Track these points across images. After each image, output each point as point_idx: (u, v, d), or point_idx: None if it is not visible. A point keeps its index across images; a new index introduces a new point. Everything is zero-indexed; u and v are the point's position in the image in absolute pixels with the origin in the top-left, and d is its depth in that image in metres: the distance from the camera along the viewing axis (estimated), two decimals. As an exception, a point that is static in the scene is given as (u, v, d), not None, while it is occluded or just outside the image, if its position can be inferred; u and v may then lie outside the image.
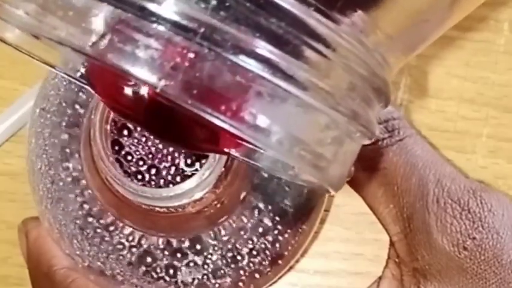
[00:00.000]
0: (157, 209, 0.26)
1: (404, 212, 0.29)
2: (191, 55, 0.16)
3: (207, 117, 0.17)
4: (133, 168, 0.28)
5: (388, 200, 0.30)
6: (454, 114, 0.38)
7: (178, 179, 0.28)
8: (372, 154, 0.30)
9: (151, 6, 0.16)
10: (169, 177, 0.29)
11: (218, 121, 0.17)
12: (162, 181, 0.28)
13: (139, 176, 0.28)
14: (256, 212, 0.29)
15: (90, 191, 0.29)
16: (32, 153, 0.30)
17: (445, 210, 0.28)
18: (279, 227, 0.30)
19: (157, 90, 0.16)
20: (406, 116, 0.38)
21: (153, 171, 0.28)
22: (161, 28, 0.16)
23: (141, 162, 0.28)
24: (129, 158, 0.28)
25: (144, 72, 0.16)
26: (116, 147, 0.28)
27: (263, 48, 0.17)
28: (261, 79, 0.17)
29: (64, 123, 0.30)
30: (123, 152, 0.28)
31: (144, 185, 0.28)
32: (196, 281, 0.29)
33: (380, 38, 0.20)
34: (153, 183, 0.28)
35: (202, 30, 0.16)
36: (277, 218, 0.30)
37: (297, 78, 0.17)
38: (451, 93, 0.39)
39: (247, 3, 0.17)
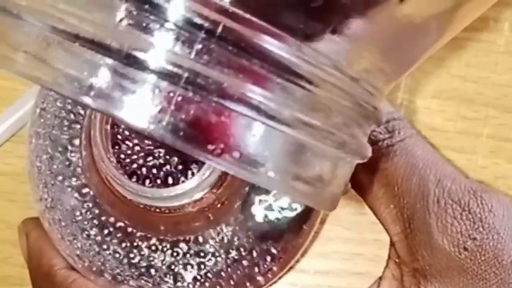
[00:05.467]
0: (157, 209, 0.26)
1: (404, 212, 0.29)
2: (177, 99, 0.17)
3: (196, 156, 0.17)
4: (133, 168, 0.28)
5: (389, 201, 0.30)
6: (454, 114, 0.38)
7: (178, 179, 0.28)
8: (373, 155, 0.30)
9: (137, 54, 0.17)
10: (170, 178, 0.29)
11: (207, 160, 0.18)
12: (162, 181, 0.28)
13: (140, 176, 0.28)
14: (256, 212, 0.29)
15: (90, 191, 0.29)
16: (32, 153, 0.30)
17: (446, 211, 0.28)
18: (279, 227, 0.30)
19: (146, 134, 0.17)
20: (406, 116, 0.38)
21: (154, 171, 0.28)
22: (147, 74, 0.17)
23: (141, 163, 0.28)
24: (130, 158, 0.28)
25: (132, 117, 0.17)
26: (116, 148, 0.28)
27: (246, 89, 0.18)
28: (246, 118, 0.18)
29: (64, 123, 0.30)
30: (123, 152, 0.28)
31: (144, 185, 0.28)
32: (196, 281, 0.29)
33: (366, 66, 0.20)
34: (153, 183, 0.28)
35: (186, 75, 0.17)
36: (277, 218, 0.30)
37: (281, 116, 0.18)
38: (451, 93, 0.39)
39: (229, 46, 0.17)
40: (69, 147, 0.30)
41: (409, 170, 0.29)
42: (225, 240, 0.29)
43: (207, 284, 0.29)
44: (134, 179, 0.28)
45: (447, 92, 0.39)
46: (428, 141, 0.36)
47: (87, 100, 0.17)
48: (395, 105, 0.38)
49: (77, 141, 0.30)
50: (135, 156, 0.29)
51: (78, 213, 0.29)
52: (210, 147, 0.17)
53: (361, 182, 0.31)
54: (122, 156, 0.28)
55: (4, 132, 0.38)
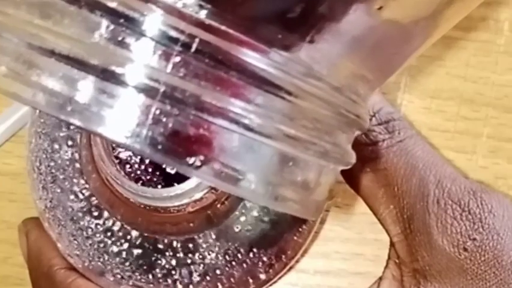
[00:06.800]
0: (157, 209, 0.26)
1: (404, 212, 0.29)
2: (154, 112, 0.17)
3: (176, 169, 0.17)
4: (133, 168, 0.28)
5: (388, 201, 0.30)
6: (454, 114, 0.38)
7: (178, 179, 0.28)
8: (372, 155, 0.30)
9: (114, 68, 0.17)
10: (170, 177, 0.29)
11: (187, 173, 0.18)
12: (162, 181, 0.28)
13: (140, 176, 0.28)
14: (256, 212, 0.29)
15: (90, 191, 0.29)
16: (32, 153, 0.30)
17: (446, 211, 0.28)
18: (279, 227, 0.30)
19: (125, 148, 0.17)
20: (406, 116, 0.38)
21: (153, 171, 0.28)
22: (124, 88, 0.17)
23: (141, 163, 0.28)
24: (130, 158, 0.28)
25: (110, 132, 0.17)
26: (116, 148, 0.28)
27: (225, 101, 0.17)
28: (225, 130, 0.18)
29: (64, 123, 0.30)
30: (123, 152, 0.28)
31: (144, 184, 0.28)
32: (196, 281, 0.29)
33: (348, 75, 0.20)
34: (153, 183, 0.29)
35: (163, 89, 0.17)
36: (277, 218, 0.30)
37: (261, 127, 0.18)
38: (451, 93, 0.39)
39: (206, 59, 0.17)
40: (69, 147, 0.30)
41: (409, 171, 0.29)
42: (225, 240, 0.29)
43: (208, 283, 0.29)
44: (134, 179, 0.28)
45: (447, 92, 0.39)
46: (428, 141, 0.36)
47: (64, 116, 0.17)
48: (395, 105, 0.38)
49: (76, 141, 0.30)
50: (135, 156, 0.29)
51: (77, 213, 0.29)
52: (189, 159, 0.17)
53: (361, 182, 0.31)
54: (122, 156, 0.28)
55: (4, 132, 0.38)
